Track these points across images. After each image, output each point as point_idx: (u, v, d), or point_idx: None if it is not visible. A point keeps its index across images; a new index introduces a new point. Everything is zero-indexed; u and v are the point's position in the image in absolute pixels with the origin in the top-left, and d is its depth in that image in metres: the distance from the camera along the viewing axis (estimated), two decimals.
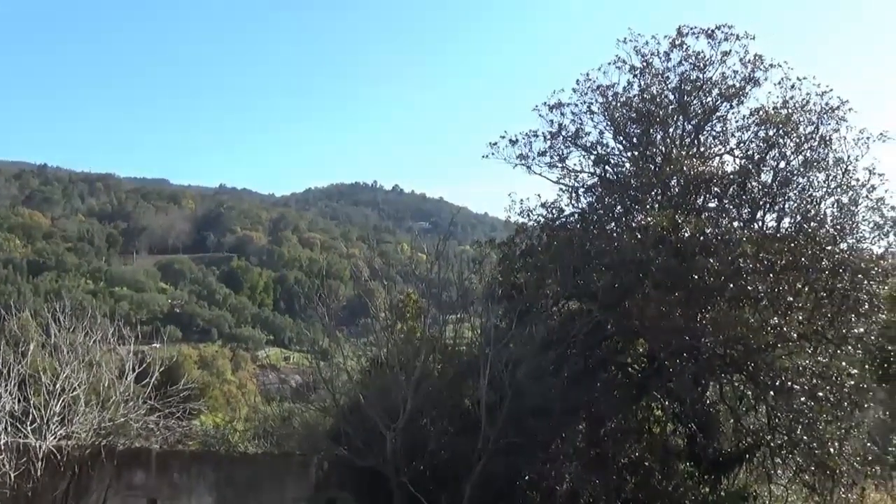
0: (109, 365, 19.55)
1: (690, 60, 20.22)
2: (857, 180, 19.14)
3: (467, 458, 16.66)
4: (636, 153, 20.61)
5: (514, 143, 20.80)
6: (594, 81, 20.65)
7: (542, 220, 20.69)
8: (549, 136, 20.76)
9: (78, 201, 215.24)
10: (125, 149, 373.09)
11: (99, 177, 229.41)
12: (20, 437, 17.68)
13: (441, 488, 16.97)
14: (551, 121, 20.77)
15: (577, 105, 20.71)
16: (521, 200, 20.78)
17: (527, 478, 17.64)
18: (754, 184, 19.42)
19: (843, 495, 19.56)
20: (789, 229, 19.23)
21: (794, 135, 19.30)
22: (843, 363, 18.46)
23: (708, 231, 18.31)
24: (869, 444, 20.36)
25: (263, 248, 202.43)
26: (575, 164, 20.97)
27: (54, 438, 17.85)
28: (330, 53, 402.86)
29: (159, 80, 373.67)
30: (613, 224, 20.63)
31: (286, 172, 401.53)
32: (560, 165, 20.92)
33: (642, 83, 20.49)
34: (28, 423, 17.80)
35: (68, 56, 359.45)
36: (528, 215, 20.79)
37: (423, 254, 21.40)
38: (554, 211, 20.70)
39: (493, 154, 20.96)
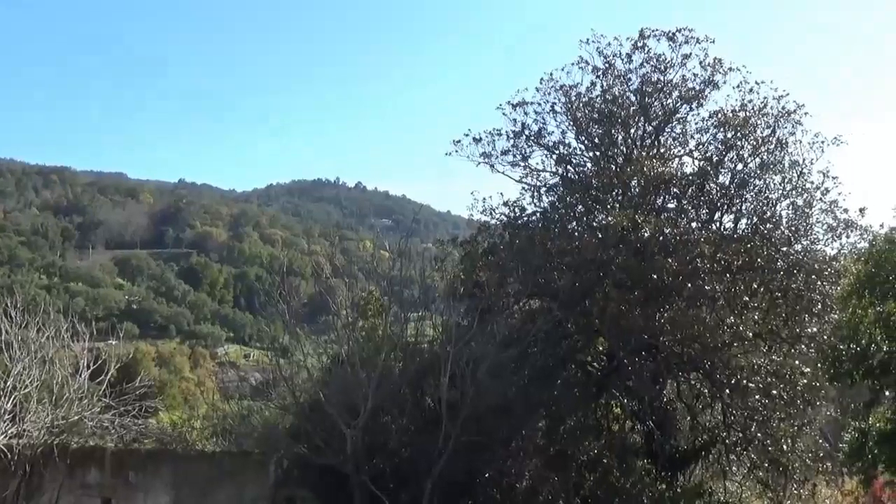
0: (63, 362, 19.17)
1: (652, 62, 20.49)
2: (812, 183, 19.60)
3: (428, 456, 16.66)
4: (598, 153, 20.83)
5: (477, 141, 20.89)
6: (557, 81, 20.85)
7: (505, 218, 20.81)
8: (512, 135, 20.90)
9: (32, 194, 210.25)
10: (82, 141, 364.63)
11: (54, 169, 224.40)
12: None
13: (402, 486, 16.96)
14: (514, 120, 20.93)
15: (540, 104, 20.91)
16: (484, 199, 20.89)
17: (487, 475, 17.72)
18: (712, 185, 19.75)
19: (795, 491, 20.02)
20: (746, 230, 19.60)
21: (752, 137, 19.67)
22: (797, 362, 18.88)
23: (667, 231, 18.55)
24: (820, 441, 20.87)
25: (224, 245, 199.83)
26: (537, 164, 21.15)
27: (4, 437, 17.43)
28: (293, 51, 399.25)
29: (117, 72, 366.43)
30: (575, 223, 20.82)
31: (247, 168, 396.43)
32: (523, 164, 21.06)
33: (604, 84, 20.72)
34: None
35: (21, 46, 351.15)
36: (491, 214, 20.91)
37: (386, 251, 21.37)
38: (516, 210, 20.84)
39: (456, 152, 21.03)
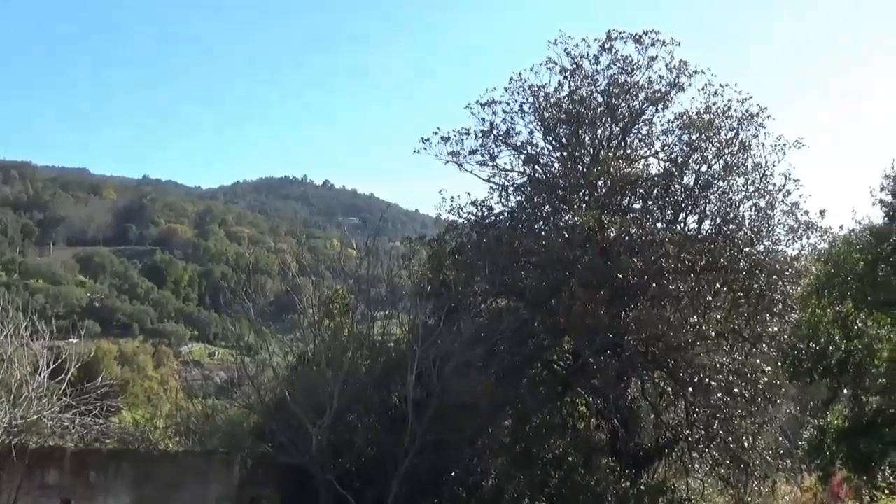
0: (22, 361, 18.74)
1: (619, 64, 20.68)
2: (774, 185, 19.95)
3: (394, 455, 16.65)
4: (565, 154, 20.96)
5: (446, 139, 20.90)
6: (526, 81, 20.94)
7: (473, 217, 20.85)
8: (480, 135, 20.94)
9: None
10: (43, 136, 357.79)
11: (14, 165, 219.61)
12: None
13: (368, 485, 16.92)
14: (483, 119, 20.98)
15: (508, 104, 20.97)
16: (452, 198, 20.90)
17: (453, 473, 17.75)
18: (677, 186, 19.99)
19: (756, 488, 20.36)
20: (710, 231, 19.87)
21: (716, 139, 19.94)
22: (758, 361, 19.21)
23: (633, 231, 18.74)
24: (780, 439, 21.24)
25: (189, 242, 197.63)
26: (505, 163, 21.23)
27: None
28: (260, 48, 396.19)
29: (80, 66, 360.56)
30: (542, 223, 20.94)
31: (214, 165, 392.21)
32: (491, 164, 21.12)
33: (572, 85, 20.86)
34: None
35: None
36: (459, 213, 20.94)
37: (353, 250, 21.30)
38: (484, 209, 20.88)
39: (424, 150, 21.04)
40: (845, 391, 20.08)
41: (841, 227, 20.14)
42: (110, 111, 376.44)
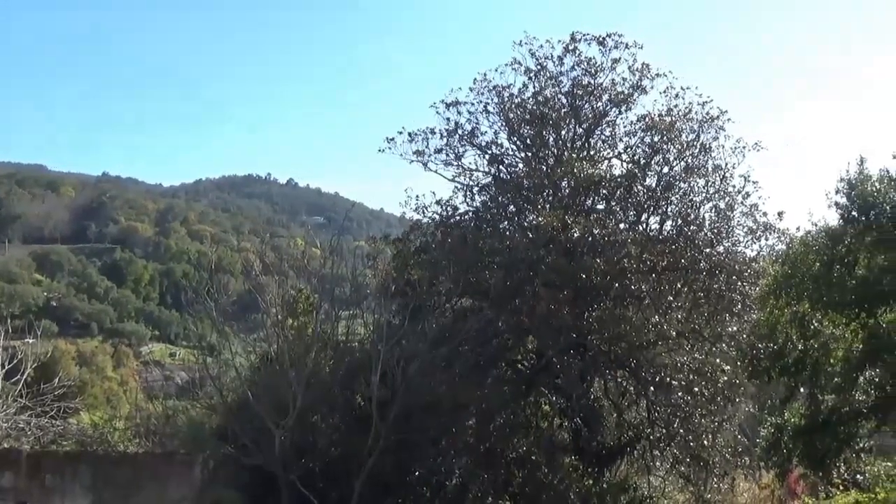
0: None
1: (583, 66, 20.83)
2: (734, 187, 20.28)
3: (358, 455, 16.59)
4: (529, 154, 21.06)
5: (411, 139, 20.87)
6: (490, 82, 21.00)
7: (437, 217, 20.85)
8: (445, 134, 20.94)
9: None
10: None
11: None
12: None
13: (331, 486, 16.85)
14: (448, 118, 20.98)
15: (473, 104, 21.00)
16: (417, 197, 20.87)
17: (417, 473, 17.76)
18: (640, 187, 20.19)
19: (716, 485, 20.68)
20: (671, 232, 20.12)
21: (677, 142, 20.20)
22: (718, 360, 19.49)
23: (596, 232, 18.88)
24: (739, 437, 21.60)
25: (149, 240, 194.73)
26: (470, 163, 21.25)
27: None
28: (223, 45, 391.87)
29: (38, 57, 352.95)
30: (506, 223, 21.03)
31: (175, 162, 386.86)
32: (456, 163, 21.13)
33: (537, 86, 20.97)
34: None
35: None
36: (424, 212, 20.91)
37: (317, 249, 21.18)
38: (449, 208, 20.89)
39: (389, 149, 20.97)
40: (802, 390, 20.53)
41: (798, 229, 20.59)
42: (68, 106, 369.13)
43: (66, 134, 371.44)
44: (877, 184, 19.28)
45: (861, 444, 21.11)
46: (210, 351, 19.62)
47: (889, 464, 21.80)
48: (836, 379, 19.80)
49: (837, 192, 19.66)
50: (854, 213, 19.47)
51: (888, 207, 18.96)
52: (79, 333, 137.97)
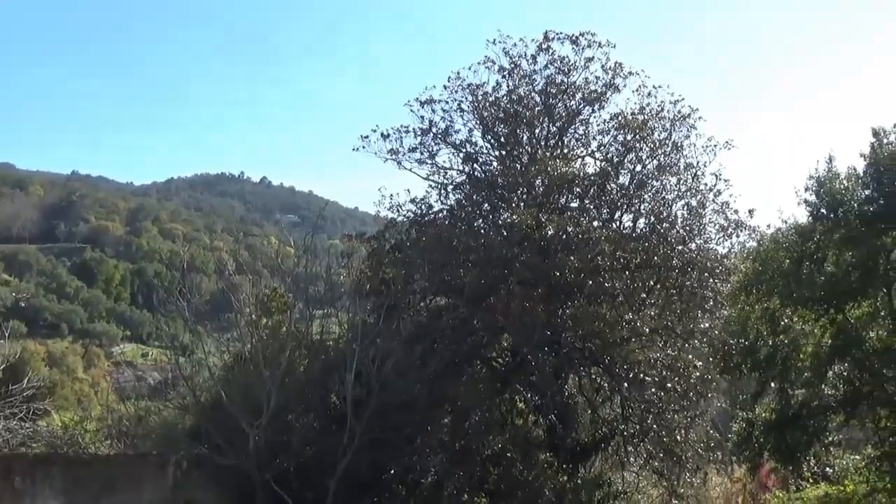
0: None
1: (556, 64, 20.93)
2: (706, 185, 20.51)
3: (333, 454, 16.56)
4: (503, 152, 21.12)
5: (385, 137, 20.84)
6: (464, 80, 21.02)
7: (412, 215, 20.84)
8: (419, 132, 20.95)
9: None
10: None
11: None
12: None
13: (306, 485, 16.79)
14: (422, 117, 20.99)
15: (447, 102, 21.03)
16: (392, 196, 20.85)
17: (392, 472, 17.74)
18: (613, 185, 20.34)
19: (689, 480, 20.91)
20: (644, 229, 20.29)
21: (650, 140, 20.37)
22: (690, 356, 19.71)
23: (569, 230, 18.97)
24: (712, 432, 21.84)
25: (120, 239, 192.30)
26: (444, 161, 21.26)
27: None
28: (195, 41, 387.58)
29: (5, 57, 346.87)
30: (480, 221, 21.07)
31: (146, 160, 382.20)
32: (430, 162, 21.14)
33: (510, 84, 21.03)
34: None
35: None
36: (398, 210, 20.90)
37: (291, 247, 21.07)
38: (423, 207, 20.90)
39: (363, 147, 20.91)
40: (773, 385, 20.79)
41: (768, 226, 20.90)
42: (37, 104, 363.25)
43: (35, 132, 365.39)
44: (845, 182, 19.62)
45: (830, 438, 21.44)
46: (183, 351, 19.47)
47: (857, 457, 22.13)
48: (805, 374, 20.09)
49: (807, 189, 19.98)
50: (823, 210, 19.79)
51: (856, 205, 19.30)
52: (48, 334, 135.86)
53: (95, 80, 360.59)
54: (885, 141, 18.94)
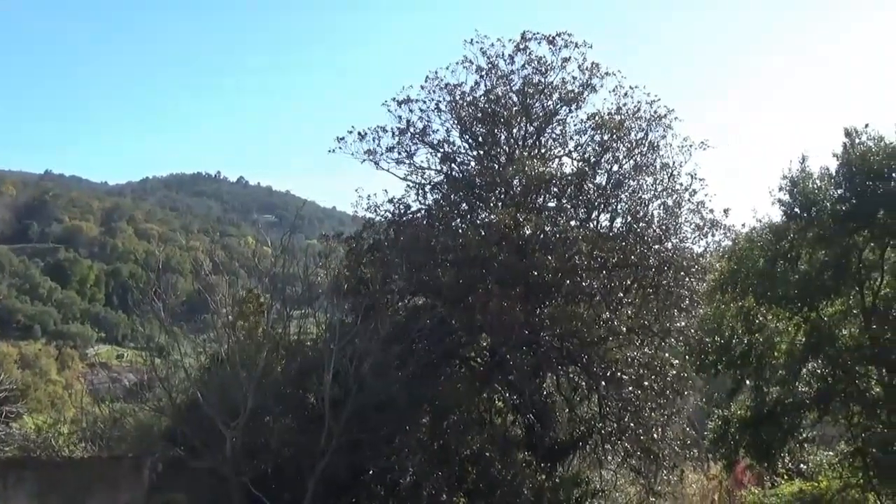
0: None
1: (533, 65, 21.01)
2: (681, 184, 20.68)
3: (311, 455, 16.48)
4: (481, 152, 21.15)
5: (362, 137, 20.80)
6: (442, 80, 21.06)
7: (390, 215, 20.82)
8: (397, 132, 20.94)
9: None
10: None
11: None
12: None
13: (284, 487, 16.69)
14: (400, 117, 20.99)
15: (425, 102, 21.05)
16: (369, 196, 20.84)
17: (371, 472, 17.69)
18: (590, 185, 20.45)
19: (665, 477, 21.05)
20: (621, 229, 20.42)
21: (626, 140, 20.51)
22: (667, 354, 19.86)
23: (547, 229, 19.06)
24: (688, 429, 22.02)
25: (95, 240, 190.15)
26: (422, 161, 21.29)
27: None
28: (170, 39, 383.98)
29: None
30: (458, 221, 21.08)
31: (121, 160, 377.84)
32: (408, 162, 21.15)
33: (488, 84, 21.08)
34: None
35: None
36: (376, 211, 20.88)
37: (269, 248, 20.95)
38: (401, 207, 20.89)
39: (340, 149, 20.86)
40: (748, 382, 20.97)
41: (743, 226, 21.06)
42: (10, 103, 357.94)
43: (7, 131, 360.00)
44: (818, 181, 19.85)
45: (804, 435, 21.66)
46: (158, 352, 19.28)
47: (831, 453, 22.39)
48: (780, 371, 20.29)
49: (781, 189, 20.17)
50: (796, 209, 20.01)
51: (829, 204, 19.54)
52: (21, 336, 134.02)
53: (68, 79, 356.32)
54: (857, 141, 19.18)
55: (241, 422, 16.32)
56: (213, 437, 16.37)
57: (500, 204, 19.74)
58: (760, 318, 20.69)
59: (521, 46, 20.95)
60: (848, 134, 19.38)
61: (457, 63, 20.99)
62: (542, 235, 19.04)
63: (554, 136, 21.52)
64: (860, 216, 18.75)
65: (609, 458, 20.80)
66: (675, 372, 19.62)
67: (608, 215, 20.81)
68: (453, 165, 21.33)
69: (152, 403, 18.95)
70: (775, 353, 20.60)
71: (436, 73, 21.02)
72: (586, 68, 20.93)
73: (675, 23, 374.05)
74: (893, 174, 18.81)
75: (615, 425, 19.82)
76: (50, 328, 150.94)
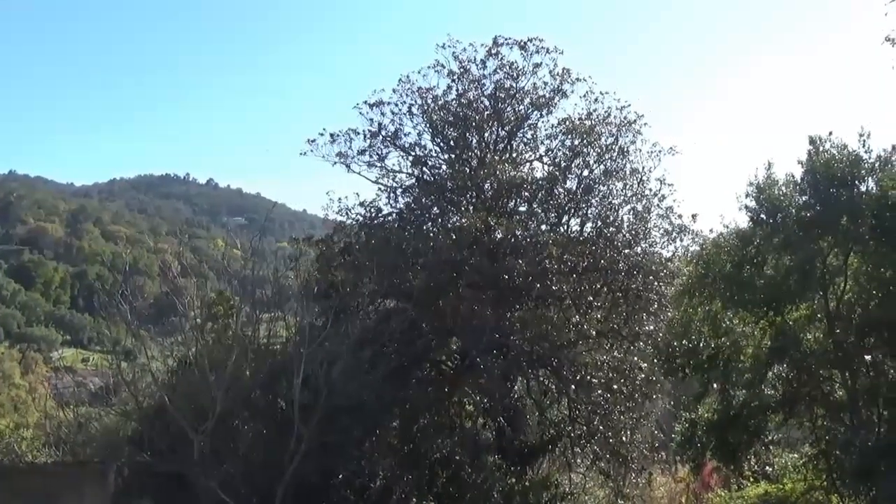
0: None
1: (505, 69, 21.06)
2: (651, 190, 20.86)
3: (280, 460, 16.36)
4: (453, 156, 21.17)
5: (333, 140, 20.68)
6: (414, 83, 21.01)
7: (361, 218, 20.71)
8: (369, 135, 20.84)
9: None
10: None
11: None
12: None
13: (253, 491, 16.53)
14: (371, 119, 20.90)
15: (397, 105, 20.97)
16: (340, 199, 20.69)
17: (341, 476, 17.60)
18: (561, 190, 20.56)
19: (634, 480, 21.25)
20: (591, 233, 20.56)
21: (597, 145, 20.66)
22: (636, 358, 20.03)
23: (518, 233, 19.13)
24: (656, 432, 22.28)
25: (60, 241, 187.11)
26: (394, 165, 21.22)
27: None
28: (138, 39, 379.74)
29: None
30: (430, 224, 21.07)
31: (88, 160, 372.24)
32: (379, 165, 21.07)
33: (460, 88, 21.08)
34: None
35: None
36: (347, 214, 20.74)
37: (238, 250, 20.78)
38: (372, 210, 20.78)
39: (311, 151, 20.72)
40: (715, 385, 21.30)
41: (711, 231, 21.43)
42: None
43: None
44: (783, 188, 20.24)
45: (770, 437, 22.03)
46: (125, 355, 19.03)
47: (795, 455, 22.79)
48: (746, 375, 20.63)
49: (747, 195, 20.56)
50: (762, 215, 20.39)
51: (794, 211, 19.93)
52: None
53: (33, 78, 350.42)
54: (821, 149, 19.59)
55: (209, 426, 16.15)
56: (180, 441, 16.18)
57: (471, 208, 19.77)
58: (727, 322, 21.01)
59: (493, 51, 21.02)
60: (812, 142, 19.78)
61: (429, 67, 21.00)
62: (513, 239, 19.11)
63: (525, 140, 21.61)
64: (824, 222, 19.15)
65: (578, 461, 20.93)
66: (643, 375, 19.80)
67: (578, 220, 20.94)
68: (425, 169, 21.32)
69: (118, 408, 18.70)
70: (742, 357, 20.93)
71: (408, 76, 21.02)
72: (557, 74, 21.07)
73: (651, 30, 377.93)
74: (857, 181, 19.25)
75: (584, 428, 19.95)
76: (13, 331, 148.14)
